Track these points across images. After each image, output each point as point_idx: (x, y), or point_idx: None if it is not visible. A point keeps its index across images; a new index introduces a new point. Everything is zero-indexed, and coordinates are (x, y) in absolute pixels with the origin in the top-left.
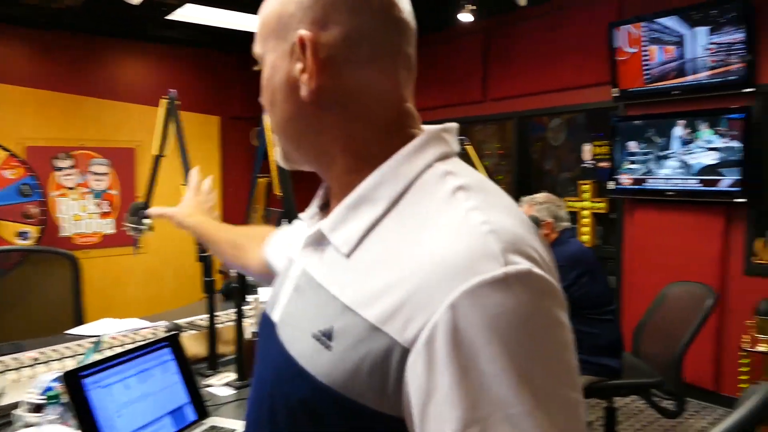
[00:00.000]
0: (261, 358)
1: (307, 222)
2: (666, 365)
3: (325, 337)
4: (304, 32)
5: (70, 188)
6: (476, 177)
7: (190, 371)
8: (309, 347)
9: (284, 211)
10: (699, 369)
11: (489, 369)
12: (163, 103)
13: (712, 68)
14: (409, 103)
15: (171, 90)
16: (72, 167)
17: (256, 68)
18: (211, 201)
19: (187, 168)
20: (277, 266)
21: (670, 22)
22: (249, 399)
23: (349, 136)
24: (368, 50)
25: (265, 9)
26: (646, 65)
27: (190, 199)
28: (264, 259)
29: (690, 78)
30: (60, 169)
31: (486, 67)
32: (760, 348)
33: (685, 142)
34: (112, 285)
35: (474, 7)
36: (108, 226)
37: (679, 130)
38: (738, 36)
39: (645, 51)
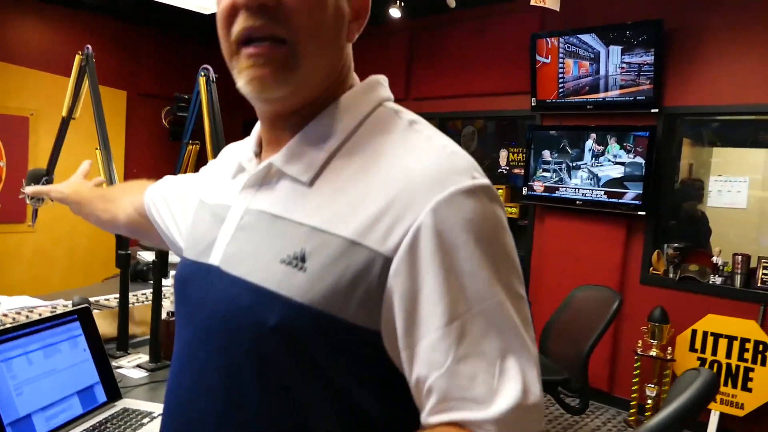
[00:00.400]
0: (198, 305)
1: (245, 165)
2: (572, 364)
3: (297, 260)
4: None
5: None
6: (418, 116)
7: (102, 349)
8: (278, 272)
9: None
10: (595, 371)
11: (467, 267)
12: (78, 59)
13: (623, 87)
14: None
15: (87, 46)
16: None
17: None
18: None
19: (103, 131)
20: (156, 213)
21: (588, 39)
22: (176, 370)
23: (337, 78)
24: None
25: None
26: (562, 78)
27: (75, 181)
28: (137, 206)
29: (602, 94)
30: None
31: (410, 66)
32: (652, 353)
33: (595, 155)
34: None
35: (402, 4)
36: None
37: (590, 143)
38: (648, 59)
39: (561, 64)
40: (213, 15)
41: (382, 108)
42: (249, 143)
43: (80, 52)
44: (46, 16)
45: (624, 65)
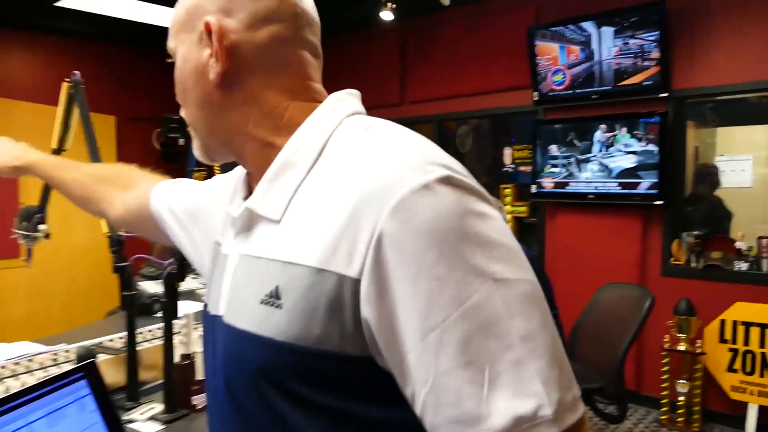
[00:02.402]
0: (210, 356)
1: (233, 212)
2: (606, 369)
3: (273, 298)
4: (209, 18)
5: None
6: (384, 120)
7: (112, 405)
8: (259, 314)
9: None
10: None
11: (436, 272)
12: (65, 87)
13: (629, 73)
14: (318, 84)
15: (74, 72)
16: None
17: (169, 60)
18: None
19: (96, 162)
20: (163, 216)
21: (588, 26)
22: (210, 420)
23: (259, 109)
24: (270, 32)
25: (177, 6)
26: (563, 71)
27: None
28: (132, 208)
29: (607, 82)
30: None
31: (404, 69)
32: (680, 347)
33: (605, 146)
34: None
35: (394, 5)
36: None
37: (598, 135)
38: (652, 42)
39: (562, 55)
40: None
41: (342, 125)
42: (238, 188)
43: (67, 79)
44: (26, 45)
45: (627, 51)
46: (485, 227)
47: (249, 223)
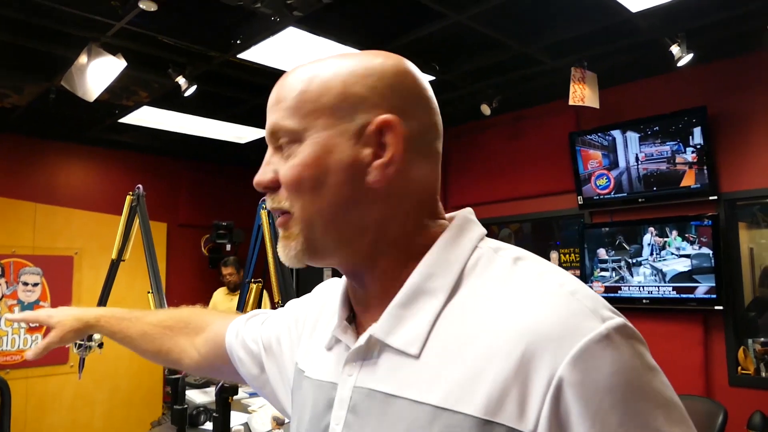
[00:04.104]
0: None
1: (340, 336)
2: None
3: None
4: (390, 117)
5: None
6: (522, 249)
7: None
8: None
9: None
10: None
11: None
12: (128, 200)
13: (674, 177)
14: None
15: (138, 186)
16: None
17: (279, 143)
18: None
19: (155, 274)
20: (238, 356)
21: (629, 133)
22: None
23: (401, 227)
24: (428, 145)
25: (311, 82)
26: (608, 174)
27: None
28: (204, 351)
29: (653, 186)
30: None
31: (447, 174)
32: None
33: (657, 249)
34: (34, 410)
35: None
36: (35, 343)
37: (648, 237)
38: (698, 146)
39: (607, 160)
40: (248, 144)
41: (479, 250)
42: (337, 305)
43: (131, 193)
44: (85, 158)
45: (669, 156)
46: (661, 385)
47: (369, 352)
